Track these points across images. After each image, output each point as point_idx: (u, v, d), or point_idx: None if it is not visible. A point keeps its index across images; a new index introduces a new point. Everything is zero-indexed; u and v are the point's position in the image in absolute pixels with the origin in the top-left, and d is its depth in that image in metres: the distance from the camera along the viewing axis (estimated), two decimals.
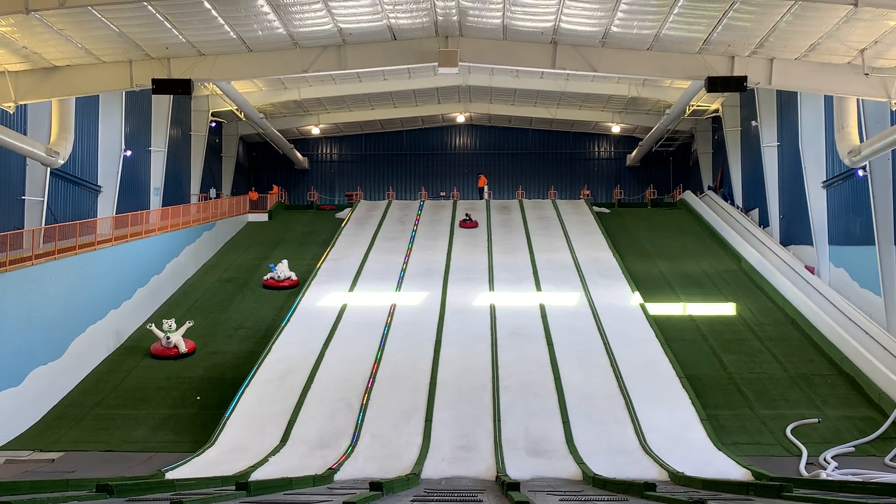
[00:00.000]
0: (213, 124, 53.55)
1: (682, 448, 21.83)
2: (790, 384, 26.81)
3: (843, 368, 27.68)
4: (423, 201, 53.04)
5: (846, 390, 26.36)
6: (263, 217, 50.93)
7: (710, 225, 46.07)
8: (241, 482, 14.66)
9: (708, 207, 48.82)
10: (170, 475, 19.39)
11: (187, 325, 30.59)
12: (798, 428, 23.68)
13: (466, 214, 46.21)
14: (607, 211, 51.39)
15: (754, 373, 27.65)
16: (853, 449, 22.38)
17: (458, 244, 41.89)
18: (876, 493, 12.97)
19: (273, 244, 44.42)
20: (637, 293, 33.92)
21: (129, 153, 40.55)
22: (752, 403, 25.47)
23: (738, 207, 48.62)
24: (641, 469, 19.92)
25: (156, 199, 44.71)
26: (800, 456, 21.66)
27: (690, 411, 24.10)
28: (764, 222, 44.66)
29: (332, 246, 42.14)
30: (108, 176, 38.56)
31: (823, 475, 19.33)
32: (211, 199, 50.20)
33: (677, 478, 18.40)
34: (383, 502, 12.35)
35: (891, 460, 21.35)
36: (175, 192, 47.50)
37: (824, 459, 21.23)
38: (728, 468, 20.05)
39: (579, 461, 20.84)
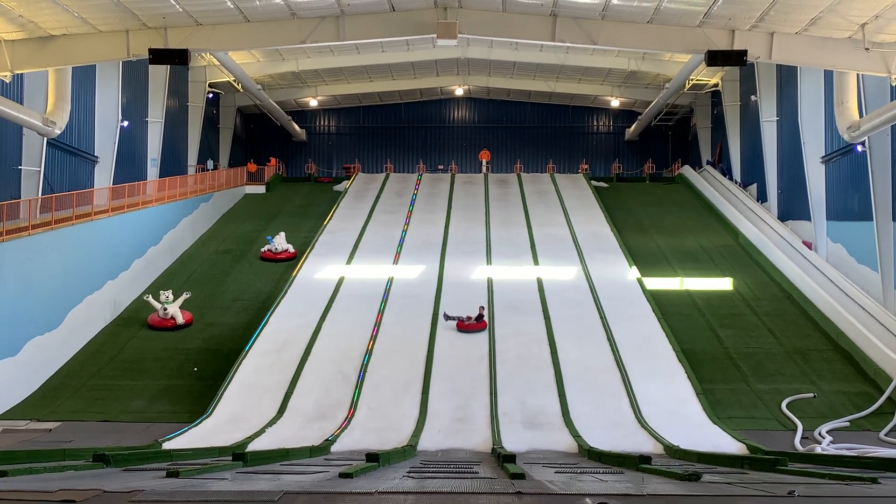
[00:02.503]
0: (211, 95, 53.30)
1: (678, 422, 21.92)
2: (786, 359, 26.89)
3: (839, 344, 27.76)
4: (422, 174, 52.93)
5: (842, 365, 26.45)
6: (261, 189, 50.82)
7: (708, 200, 46.02)
8: (237, 453, 14.69)
9: (706, 182, 48.75)
10: (167, 445, 19.46)
11: (184, 296, 30.60)
12: (794, 402, 23.77)
13: (477, 315, 28.20)
14: (605, 185, 51.30)
15: (750, 348, 27.72)
16: (848, 424, 22.48)
17: (456, 218, 41.84)
18: (870, 468, 13.03)
19: (270, 216, 44.37)
20: (634, 268, 33.94)
21: (126, 123, 40.37)
22: (748, 378, 25.55)
23: (736, 182, 48.55)
24: (637, 442, 20.01)
25: (153, 170, 44.58)
26: (795, 430, 21.77)
27: (686, 386, 24.19)
28: (762, 197, 44.63)
29: (330, 218, 42.08)
30: (105, 146, 38.41)
31: (818, 450, 19.43)
32: (208, 170, 50.05)
33: (672, 451, 18.48)
34: (380, 473, 12.38)
35: (886, 435, 21.45)
36: (172, 164, 47.36)
37: (819, 434, 21.33)
38: (723, 442, 20.15)
39: (575, 434, 20.93)
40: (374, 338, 27.39)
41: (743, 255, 37.13)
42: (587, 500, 7.78)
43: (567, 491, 9.05)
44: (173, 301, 30.22)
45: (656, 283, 32.84)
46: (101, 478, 10.62)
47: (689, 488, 9.67)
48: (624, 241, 37.83)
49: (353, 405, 23.14)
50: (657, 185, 52.70)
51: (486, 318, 27.89)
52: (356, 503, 7.95)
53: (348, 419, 22.28)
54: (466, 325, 27.56)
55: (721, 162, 52.90)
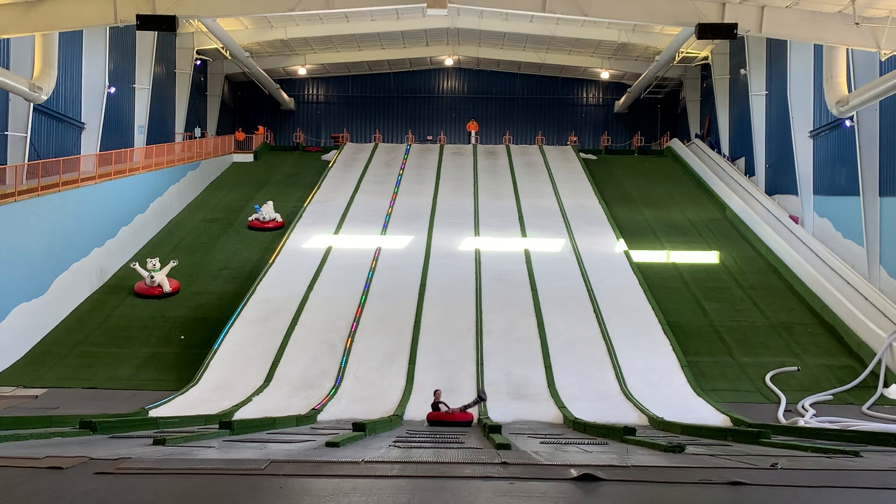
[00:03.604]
0: (198, 62, 52.87)
1: (663, 394, 22.08)
2: (771, 332, 27.05)
3: (823, 317, 27.94)
4: (410, 145, 52.76)
5: (826, 339, 26.64)
6: (249, 158, 50.59)
7: (696, 173, 46.07)
8: (224, 421, 14.72)
9: (694, 155, 48.79)
10: (153, 413, 19.48)
11: (171, 264, 30.53)
12: (777, 376, 23.95)
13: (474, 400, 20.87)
14: (594, 157, 51.27)
15: (735, 320, 27.87)
16: (831, 397, 22.68)
17: (445, 189, 41.78)
18: (853, 441, 13.15)
19: (258, 185, 44.21)
20: (622, 241, 34.00)
21: (113, 90, 40.04)
22: (733, 351, 25.72)
23: (724, 156, 48.60)
24: (622, 414, 20.15)
25: (140, 138, 44.29)
26: (778, 403, 21.95)
27: (671, 358, 24.33)
28: (750, 171, 44.71)
29: (318, 188, 41.96)
30: (92, 113, 38.11)
31: (801, 422, 19.59)
32: (196, 138, 49.77)
33: (657, 423, 18.62)
34: (366, 442, 12.44)
35: (868, 409, 21.64)
36: (159, 131, 47.06)
37: (802, 407, 21.51)
38: (707, 414, 20.31)
39: (560, 405, 21.06)
40: (361, 308, 27.41)
41: (730, 228, 37.24)
42: (572, 470, 7.83)
43: (552, 462, 9.10)
44: (160, 269, 30.15)
45: (643, 256, 32.93)
46: (88, 445, 10.62)
47: (672, 460, 9.74)
48: (612, 213, 37.87)
49: (340, 375, 23.21)
50: (646, 157, 52.69)
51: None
52: (343, 472, 7.99)
53: (335, 388, 22.35)
54: (444, 416, 19.19)
55: (709, 135, 52.91)
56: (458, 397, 21.25)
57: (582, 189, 42.03)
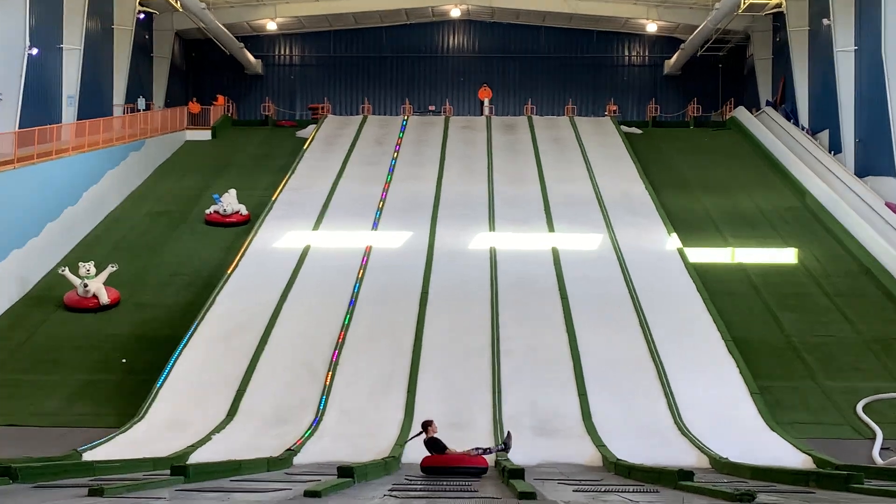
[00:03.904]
0: (142, 16, 52.91)
1: (728, 428, 22.01)
2: (863, 350, 26.98)
3: None
4: (407, 118, 52.74)
5: None
6: (206, 135, 50.60)
7: (767, 150, 45.94)
8: (177, 465, 14.71)
9: (765, 128, 48.66)
10: (88, 456, 19.48)
11: (110, 269, 30.54)
12: (872, 404, 23.87)
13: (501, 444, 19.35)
14: (639, 131, 51.18)
15: (819, 336, 27.79)
16: None
17: (452, 171, 41.74)
18: None
19: (218, 169, 44.20)
20: (674, 235, 33.94)
21: (34, 51, 40.03)
22: (816, 374, 25.65)
23: (803, 129, 48.47)
24: (676, 453, 20.09)
25: (69, 111, 44.31)
26: (873, 439, 21.87)
27: (738, 383, 24.26)
28: (836, 148, 44.57)
29: (293, 172, 41.94)
30: (9, 80, 38.10)
31: None
32: (139, 111, 49.79)
33: (720, 464, 18.56)
34: (355, 491, 12.43)
35: None
36: (94, 103, 47.07)
37: None
38: (784, 453, 20.24)
39: (598, 443, 21.01)
40: (347, 322, 27.40)
41: (811, 220, 37.14)
42: None
43: None
44: (96, 275, 30.15)
45: (701, 255, 32.84)
46: (7, 496, 10.63)
47: None
48: (661, 201, 37.80)
49: (322, 406, 23.18)
50: (704, 131, 52.60)
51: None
52: None
53: (315, 423, 22.33)
54: (449, 460, 17.20)
55: (784, 103, 52.79)
56: (471, 434, 21.18)
57: (623, 171, 41.93)
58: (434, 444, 17.52)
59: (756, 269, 32.54)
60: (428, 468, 16.97)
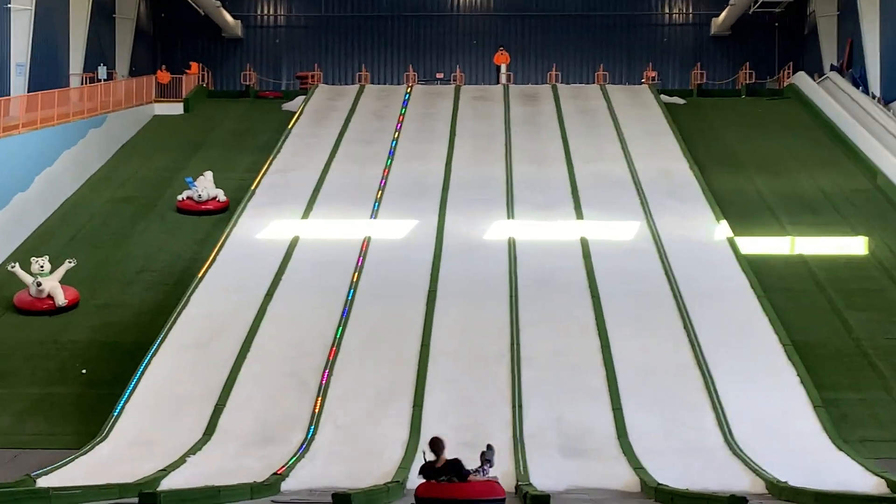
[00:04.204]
0: None
1: (786, 447, 21.98)
2: None
3: None
4: (412, 87, 52.71)
5: None
6: (177, 108, 50.64)
7: (832, 123, 45.86)
8: (146, 492, 14.76)
9: (830, 97, 48.55)
10: (43, 482, 19.51)
11: (67, 265, 30.57)
12: None
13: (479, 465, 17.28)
14: (682, 101, 51.11)
15: (894, 339, 27.74)
16: None
17: (463, 149, 41.70)
18: None
19: (191, 148, 44.24)
20: (723, 222, 33.88)
21: None
22: (890, 383, 25.61)
23: (873, 97, 48.36)
24: (726, 477, 20.06)
25: (19, 81, 44.38)
26: None
27: (798, 394, 24.21)
28: None
29: (278, 152, 41.95)
30: None
31: None
32: (100, 81, 49.82)
33: (779, 489, 18.55)
34: None
35: None
36: (47, 71, 47.12)
37: None
38: (852, 476, 20.20)
39: (636, 465, 21.00)
40: (342, 325, 27.42)
41: (883, 203, 37.07)
42: None
43: None
44: (50, 272, 30.19)
45: (755, 245, 32.80)
46: None
47: None
48: (708, 182, 37.73)
49: (314, 423, 23.20)
50: (757, 100, 52.50)
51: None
52: None
53: (306, 443, 22.36)
54: (448, 490, 15.12)
55: (852, 68, 52.65)
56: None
57: (664, 148, 41.87)
58: (434, 471, 15.22)
59: (819, 261, 32.46)
60: (421, 500, 15.04)
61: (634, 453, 21.69)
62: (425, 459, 15.57)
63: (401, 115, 46.89)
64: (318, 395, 24.21)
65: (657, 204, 35.51)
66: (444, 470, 14.99)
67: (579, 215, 34.75)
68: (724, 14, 60.00)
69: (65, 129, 39.97)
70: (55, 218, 36.96)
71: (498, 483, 15.54)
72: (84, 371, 26.89)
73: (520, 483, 19.26)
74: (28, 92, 42.74)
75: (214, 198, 37.43)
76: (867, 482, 19.85)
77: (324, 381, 24.73)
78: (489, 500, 14.96)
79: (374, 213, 35.27)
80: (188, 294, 29.49)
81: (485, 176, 38.60)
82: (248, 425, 23.30)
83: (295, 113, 47.83)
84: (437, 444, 15.43)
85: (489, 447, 16.49)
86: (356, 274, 30.53)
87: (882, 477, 19.91)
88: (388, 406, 23.85)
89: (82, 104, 42.98)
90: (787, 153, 42.60)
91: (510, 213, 35.06)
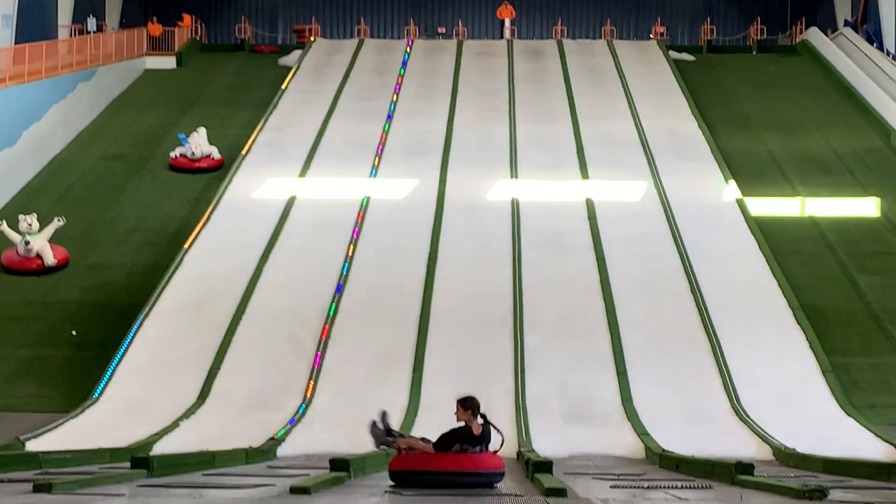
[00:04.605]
0: None
1: (795, 413, 22.08)
2: None
3: None
4: (412, 42, 52.54)
5: None
6: (170, 62, 50.46)
7: (845, 80, 45.73)
8: (138, 457, 14.82)
9: (843, 54, 48.39)
10: (32, 446, 19.61)
11: (56, 224, 30.56)
12: None
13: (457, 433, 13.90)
14: (691, 58, 50.93)
15: None
16: None
17: (466, 107, 41.59)
18: None
19: (184, 104, 44.11)
20: (733, 183, 33.86)
21: None
22: None
23: (888, 54, 48.21)
24: (733, 443, 20.16)
25: (5, 33, 44.22)
26: None
27: (808, 359, 24.30)
28: None
29: (274, 108, 41.85)
30: None
31: None
32: (89, 33, 49.66)
33: (786, 456, 18.64)
34: (350, 488, 12.54)
35: None
36: (34, 23, 46.92)
37: None
38: (861, 442, 20.30)
39: (641, 432, 21.10)
40: (340, 287, 27.47)
41: None
42: None
43: None
44: (39, 231, 30.20)
45: (766, 207, 32.81)
46: None
47: None
48: (717, 142, 37.68)
49: (311, 388, 23.29)
50: (769, 57, 52.30)
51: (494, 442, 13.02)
52: None
53: (303, 408, 22.45)
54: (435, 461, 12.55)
55: (866, 23, 52.47)
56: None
57: (673, 106, 41.78)
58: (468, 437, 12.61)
59: (830, 223, 32.46)
60: (396, 473, 12.68)
61: (639, 419, 21.79)
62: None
63: (401, 71, 46.74)
64: (314, 360, 24.29)
65: (665, 164, 35.47)
66: (482, 438, 12.59)
67: (585, 175, 34.72)
68: None
69: (53, 82, 39.86)
70: (43, 175, 36.90)
71: (489, 455, 12.71)
72: (74, 333, 26.96)
73: (522, 449, 19.35)
74: (15, 44, 42.56)
75: (208, 155, 37.36)
76: (876, 449, 19.95)
77: (321, 346, 24.82)
78: (479, 474, 12.54)
79: (374, 172, 35.23)
80: (181, 255, 29.50)
81: (488, 134, 38.52)
82: (244, 389, 23.39)
83: (292, 68, 47.67)
84: (473, 404, 12.79)
85: (384, 413, 13.79)
86: (355, 235, 30.55)
87: (892, 444, 20.00)
88: (387, 371, 23.93)
89: (71, 57, 42.83)
90: (799, 112, 42.50)
91: (514, 173, 35.03)
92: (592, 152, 36.52)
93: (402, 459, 12.64)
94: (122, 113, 43.48)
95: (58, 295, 28.87)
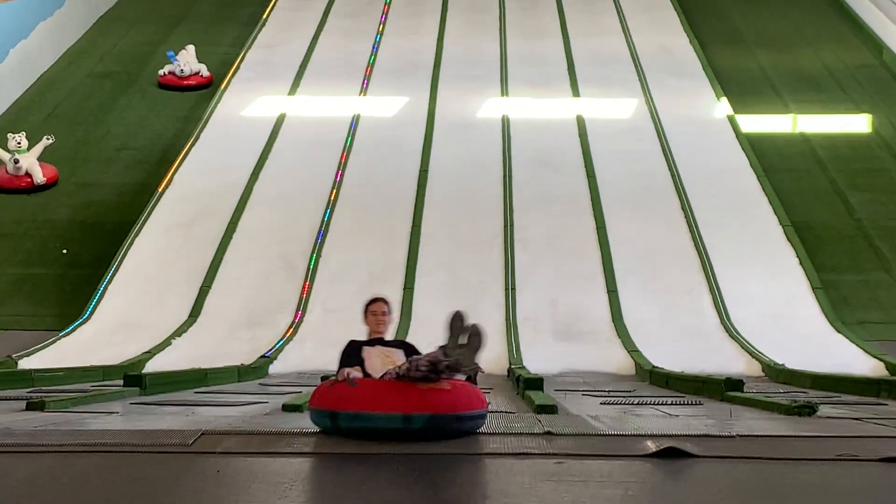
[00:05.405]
0: None
1: (785, 330, 22.19)
2: None
3: None
4: None
5: None
6: None
7: None
8: (131, 375, 14.89)
9: None
10: (24, 364, 19.69)
11: (45, 142, 30.43)
12: None
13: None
14: None
15: None
16: None
17: (456, 23, 41.32)
18: None
19: (172, 20, 43.78)
20: (724, 100, 33.76)
21: None
22: (892, 265, 25.75)
23: None
24: (723, 359, 20.28)
25: None
26: None
27: (798, 276, 24.37)
28: None
29: (263, 25, 41.55)
30: None
31: None
32: None
33: (776, 372, 18.77)
34: None
35: None
36: None
37: None
38: (851, 359, 20.42)
39: (631, 348, 21.21)
40: (331, 205, 27.44)
41: (889, 80, 36.87)
42: (648, 443, 7.92)
43: (619, 430, 9.21)
44: (28, 149, 30.09)
45: (757, 123, 32.73)
46: None
47: (798, 426, 9.84)
48: (708, 58, 37.50)
49: (302, 306, 23.35)
50: None
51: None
52: (307, 448, 8.08)
53: (294, 326, 22.52)
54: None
55: None
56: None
57: (664, 21, 41.51)
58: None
59: (822, 139, 32.39)
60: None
61: (629, 336, 21.89)
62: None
63: None
64: (306, 278, 24.34)
65: (655, 81, 35.30)
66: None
67: (575, 92, 34.56)
68: None
69: None
70: (31, 92, 36.68)
71: (466, 387, 9.44)
72: (65, 251, 26.95)
73: (512, 365, 19.45)
74: None
75: (197, 73, 37.14)
76: (866, 365, 20.05)
77: (311, 264, 24.86)
78: (447, 417, 8.84)
79: (364, 90, 35.06)
80: (171, 173, 29.43)
81: (478, 51, 38.28)
82: (235, 307, 23.47)
83: None
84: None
85: (474, 327, 9.59)
86: (345, 153, 30.46)
87: (881, 359, 20.12)
88: (378, 289, 23.85)
89: None
90: (791, 27, 42.24)
91: (504, 91, 34.86)
92: (583, 69, 36.32)
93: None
94: (111, 30, 43.12)
95: (47, 213, 28.81)
